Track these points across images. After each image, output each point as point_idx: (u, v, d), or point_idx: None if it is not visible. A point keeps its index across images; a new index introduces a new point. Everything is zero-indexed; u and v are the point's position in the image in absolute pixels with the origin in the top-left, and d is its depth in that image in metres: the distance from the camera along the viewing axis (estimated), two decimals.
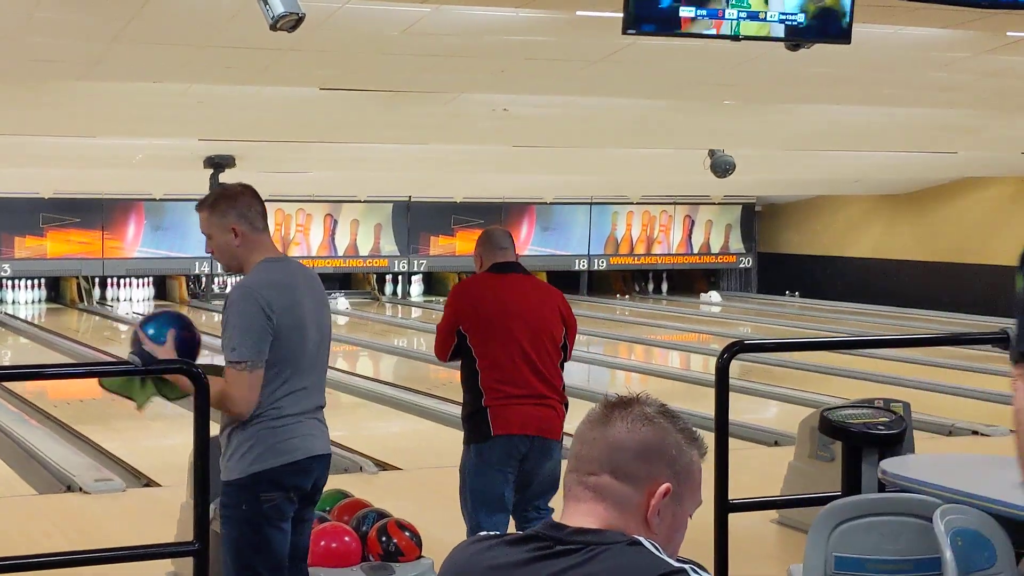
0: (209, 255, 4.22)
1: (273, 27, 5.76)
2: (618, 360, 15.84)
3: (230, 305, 3.96)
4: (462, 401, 5.18)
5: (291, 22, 5.76)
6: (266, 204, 4.17)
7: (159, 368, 3.93)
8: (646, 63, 7.96)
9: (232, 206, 4.04)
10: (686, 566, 1.86)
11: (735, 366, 14.29)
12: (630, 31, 5.13)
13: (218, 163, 12.31)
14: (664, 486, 1.94)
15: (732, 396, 11.60)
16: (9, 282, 20.54)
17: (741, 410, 10.82)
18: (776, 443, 9.30)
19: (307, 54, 7.32)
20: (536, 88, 9.08)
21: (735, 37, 5.14)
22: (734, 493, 5.06)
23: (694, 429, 2.00)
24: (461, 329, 5.05)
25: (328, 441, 4.13)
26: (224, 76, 8.01)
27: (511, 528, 5.11)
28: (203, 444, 3.82)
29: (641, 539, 1.89)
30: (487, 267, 5.19)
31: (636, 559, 1.86)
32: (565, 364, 5.25)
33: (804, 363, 13.35)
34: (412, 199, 21.56)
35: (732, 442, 9.04)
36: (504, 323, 5.01)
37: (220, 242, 4.06)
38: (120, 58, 7.17)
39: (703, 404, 4.89)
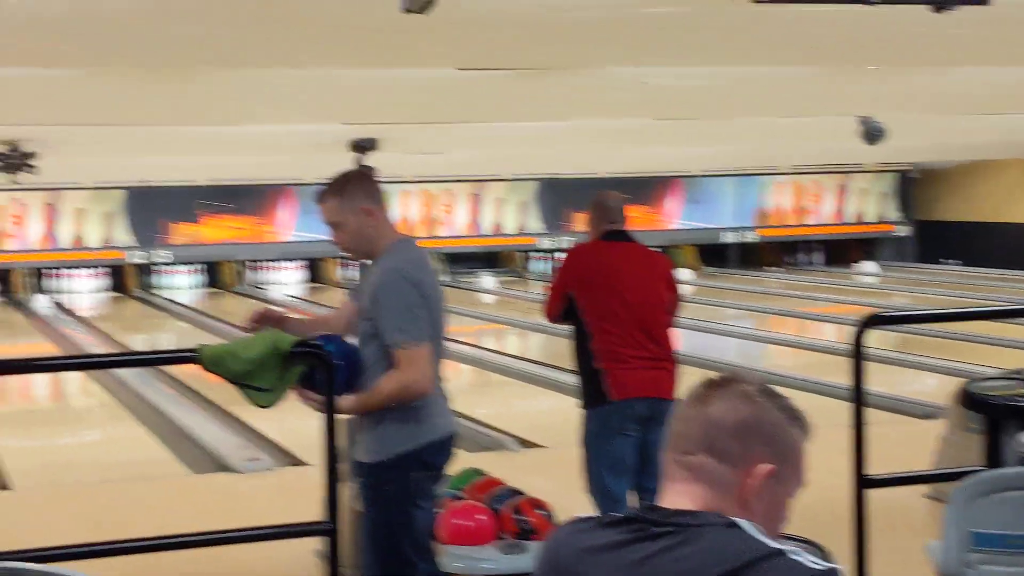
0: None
1: (406, 10, 5.79)
2: (770, 334, 15.63)
3: (383, 290, 3.93)
4: (576, 367, 5.22)
5: (422, 3, 5.78)
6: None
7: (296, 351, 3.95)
8: (787, 30, 7.80)
9: (361, 187, 4.07)
10: (784, 548, 1.81)
11: (891, 337, 14.10)
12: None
13: (362, 146, 12.41)
14: (764, 467, 1.89)
15: (886, 368, 11.46)
16: (168, 268, 21.12)
17: (895, 382, 10.60)
18: (930, 416, 9.08)
19: (443, 35, 7.33)
20: (676, 60, 8.95)
21: (868, 1, 5.00)
22: (883, 467, 4.95)
23: (797, 408, 1.95)
24: (572, 294, 5.14)
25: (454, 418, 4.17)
26: (362, 60, 8.07)
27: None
28: (331, 426, 3.86)
29: (739, 521, 1.85)
30: (597, 235, 5.30)
31: (733, 541, 1.81)
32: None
33: (962, 333, 12.99)
34: (556, 176, 21.54)
35: (883, 415, 8.95)
36: (614, 287, 5.11)
37: (355, 227, 4.03)
38: (258, 44, 7.27)
39: None
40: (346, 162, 12.94)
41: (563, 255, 5.80)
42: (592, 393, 5.14)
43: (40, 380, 12.31)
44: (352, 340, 4.08)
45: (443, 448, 4.03)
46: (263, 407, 3.97)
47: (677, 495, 1.92)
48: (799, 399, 2.01)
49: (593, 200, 5.42)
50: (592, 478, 5.19)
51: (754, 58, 8.88)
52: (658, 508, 1.91)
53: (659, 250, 5.84)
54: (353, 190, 4.06)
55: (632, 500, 5.17)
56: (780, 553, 1.79)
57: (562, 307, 5.22)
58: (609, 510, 4.78)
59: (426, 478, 4.01)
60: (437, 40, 7.44)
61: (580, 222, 21.57)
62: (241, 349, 3.89)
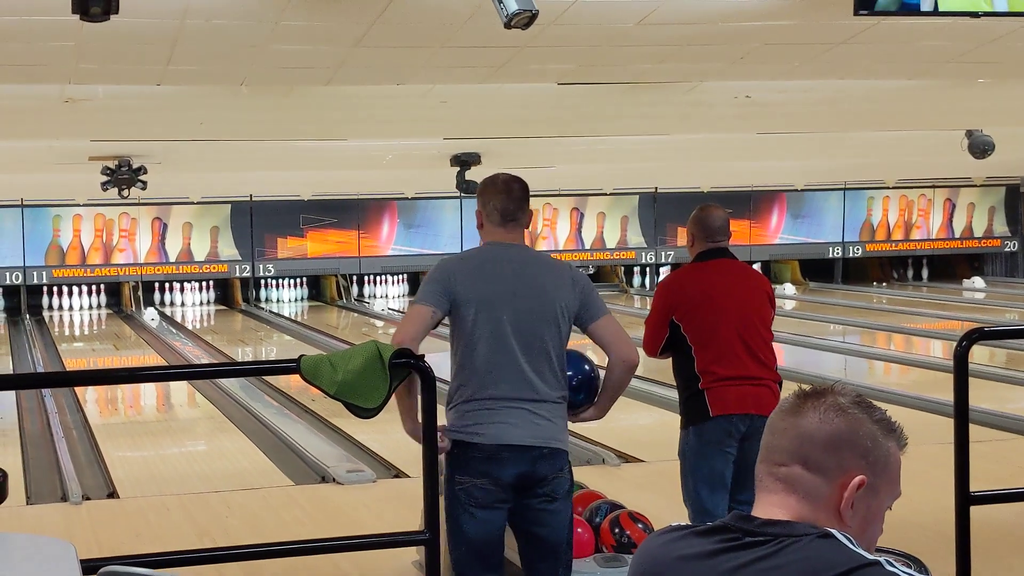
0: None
1: (507, 25, 5.82)
2: (876, 350, 15.42)
3: None
4: (677, 388, 5.22)
5: (525, 19, 5.80)
6: None
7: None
8: (890, 43, 7.72)
9: (480, 194, 4.29)
10: (881, 558, 1.80)
11: (1000, 354, 13.82)
12: (862, 12, 4.99)
13: (464, 161, 12.52)
14: (858, 478, 1.88)
15: (994, 385, 11.25)
16: (273, 281, 21.42)
17: (1003, 399, 10.42)
18: None
19: (543, 50, 7.37)
20: (777, 73, 8.90)
21: (974, 14, 4.94)
22: (989, 484, 4.89)
23: (893, 420, 1.93)
24: (674, 319, 5.14)
25: (540, 433, 4.05)
26: (464, 75, 8.14)
27: None
28: (431, 437, 3.90)
29: (833, 532, 1.84)
30: (696, 252, 5.28)
31: (827, 552, 1.81)
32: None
33: None
34: (658, 190, 21.48)
35: (991, 432, 8.80)
36: (715, 308, 5.09)
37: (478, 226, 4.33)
38: (363, 62, 7.37)
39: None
40: (449, 176, 13.05)
41: (665, 270, 5.78)
42: (692, 411, 5.13)
43: (147, 391, 12.55)
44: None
45: (491, 458, 3.97)
46: (365, 418, 4.02)
47: (770, 506, 1.92)
48: (905, 416, 2.01)
49: (694, 215, 5.34)
50: (689, 493, 5.19)
51: (859, 71, 8.80)
52: (751, 518, 1.91)
53: (757, 265, 5.79)
54: (478, 194, 4.30)
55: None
56: (875, 564, 1.79)
57: (663, 338, 5.18)
58: None
59: (472, 485, 3.98)
60: (538, 55, 7.49)
61: (682, 236, 21.52)
62: (341, 360, 3.95)
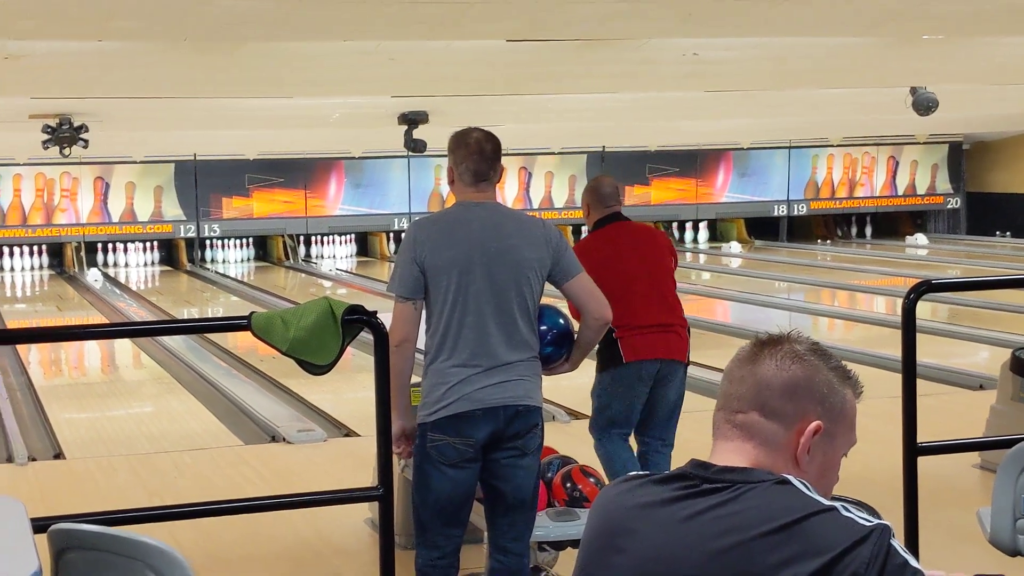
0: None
1: None
2: (821, 307, 15.55)
3: None
4: None
5: None
6: None
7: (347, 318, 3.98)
8: (838, 0, 7.74)
9: (452, 151, 4.23)
10: (836, 504, 1.81)
11: (943, 309, 13.92)
12: None
13: (412, 119, 12.42)
14: (814, 424, 1.90)
15: (938, 340, 11.36)
16: (219, 242, 21.23)
17: (946, 354, 10.54)
18: (981, 387, 9.04)
19: (493, 6, 7.33)
20: (725, 30, 8.90)
21: None
22: (936, 436, 4.95)
23: (848, 367, 1.95)
24: None
25: (515, 392, 4.05)
26: (412, 32, 8.08)
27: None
28: (384, 393, 3.89)
29: (790, 478, 1.86)
30: (593, 220, 5.71)
31: (783, 497, 1.82)
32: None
33: (1013, 305, 12.89)
34: (606, 149, 21.48)
35: (935, 387, 8.90)
36: (624, 264, 5.52)
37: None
38: (309, 17, 7.29)
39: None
40: (396, 135, 12.97)
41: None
42: (607, 357, 5.56)
43: (92, 353, 12.46)
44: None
45: (466, 419, 3.98)
46: (317, 375, 4.00)
47: (728, 452, 1.93)
48: None
49: (587, 187, 5.80)
50: (596, 426, 5.71)
51: (805, 28, 8.82)
52: (709, 465, 1.92)
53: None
54: (450, 150, 4.23)
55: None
56: (831, 509, 1.80)
57: None
58: (608, 462, 5.54)
59: (446, 444, 3.98)
60: (487, 11, 7.44)
61: (630, 196, 21.57)
62: (293, 317, 3.92)
